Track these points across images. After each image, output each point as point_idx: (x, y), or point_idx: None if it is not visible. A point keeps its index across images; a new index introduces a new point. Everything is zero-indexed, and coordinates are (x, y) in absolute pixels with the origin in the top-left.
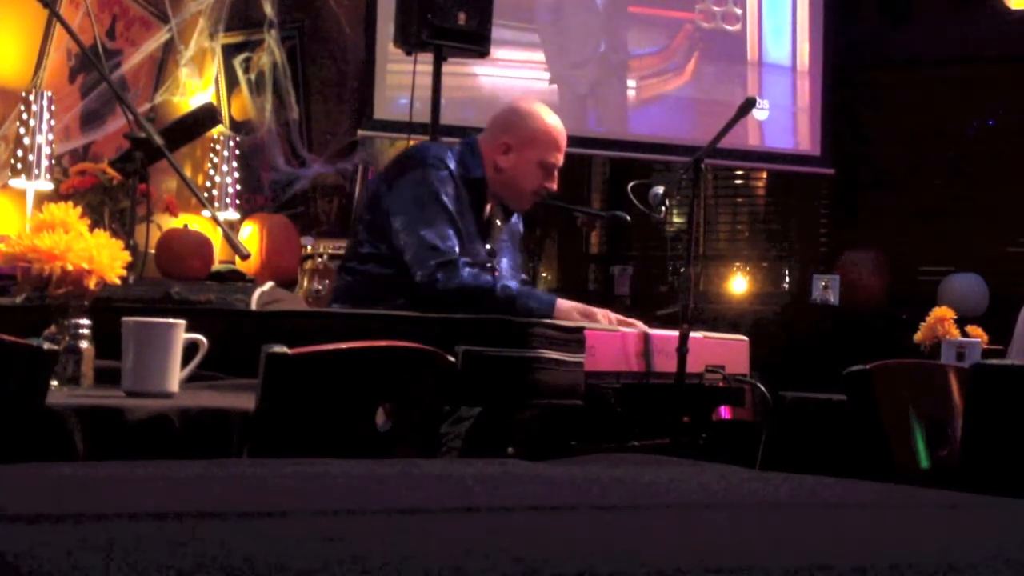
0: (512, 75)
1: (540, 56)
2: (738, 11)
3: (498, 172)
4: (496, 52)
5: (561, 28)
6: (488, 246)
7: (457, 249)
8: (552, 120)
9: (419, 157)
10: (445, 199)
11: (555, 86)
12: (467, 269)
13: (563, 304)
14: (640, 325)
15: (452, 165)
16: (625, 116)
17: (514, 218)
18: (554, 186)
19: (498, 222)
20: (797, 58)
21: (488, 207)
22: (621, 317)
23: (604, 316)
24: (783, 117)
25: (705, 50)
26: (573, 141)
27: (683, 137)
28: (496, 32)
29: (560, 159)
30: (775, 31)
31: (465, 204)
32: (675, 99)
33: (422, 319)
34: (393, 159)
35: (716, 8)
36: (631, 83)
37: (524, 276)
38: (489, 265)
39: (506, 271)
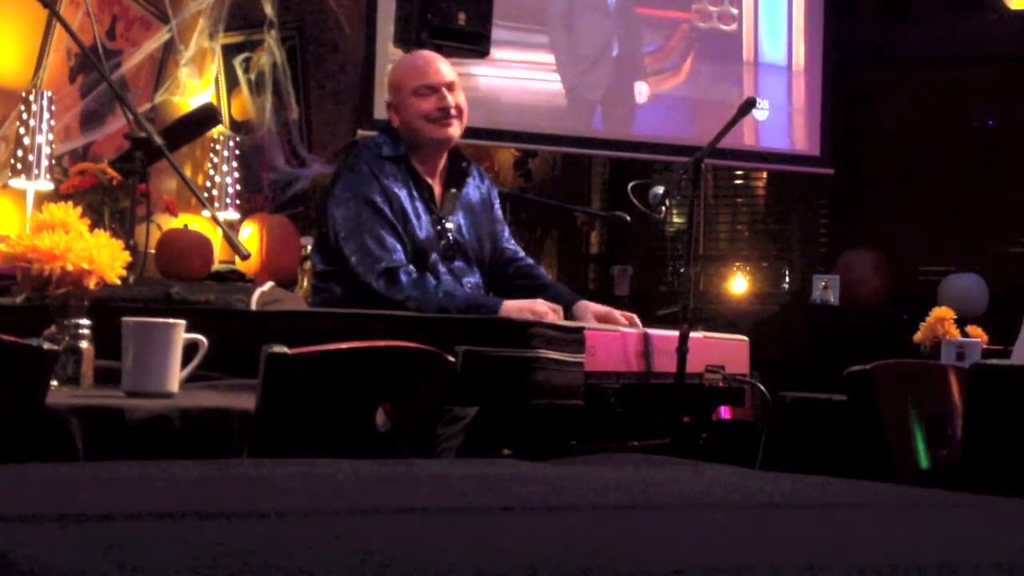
0: (512, 75)
1: (540, 56)
2: (734, 11)
3: (401, 128)
4: (496, 52)
5: (573, 31)
6: (447, 223)
7: (399, 255)
8: (407, 57)
9: (345, 164)
10: (375, 199)
11: (562, 88)
12: (406, 278)
13: (509, 305)
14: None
15: (371, 160)
16: (624, 117)
17: (474, 184)
18: (446, 102)
19: (452, 190)
20: (793, 58)
21: (436, 181)
22: (556, 306)
23: (551, 310)
24: (781, 117)
25: (701, 50)
26: (576, 141)
27: (679, 137)
28: (495, 32)
29: (432, 79)
30: (771, 31)
31: (396, 189)
32: (671, 99)
33: (422, 319)
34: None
35: (712, 8)
36: (637, 83)
37: (509, 246)
38: (444, 242)
39: (470, 247)
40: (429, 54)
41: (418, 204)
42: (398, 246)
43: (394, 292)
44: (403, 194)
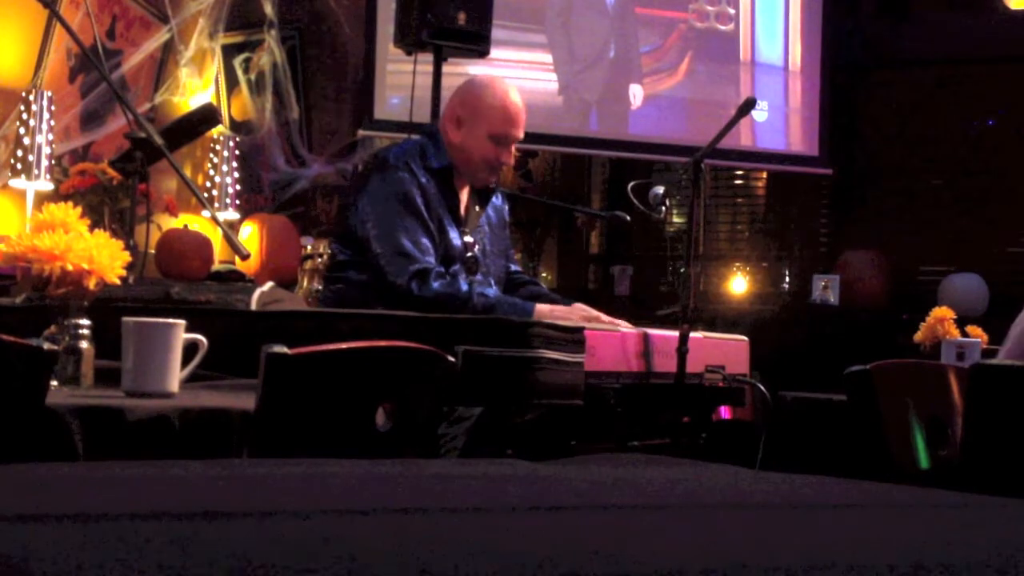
0: (512, 75)
1: (540, 56)
2: (731, 11)
3: (456, 148)
4: (493, 52)
5: (570, 31)
6: (468, 238)
7: (431, 257)
8: (503, 94)
9: (383, 159)
10: (416, 200)
11: (559, 87)
12: (438, 281)
13: (540, 310)
14: (624, 325)
15: (415, 162)
16: (620, 116)
17: (494, 203)
18: (510, 159)
19: (476, 208)
20: (790, 58)
21: (464, 195)
22: (596, 313)
23: (580, 315)
24: (778, 118)
25: (698, 50)
26: (574, 141)
27: (676, 137)
28: (496, 32)
29: (515, 133)
30: (768, 31)
31: (433, 197)
32: (668, 99)
33: (422, 319)
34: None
35: (709, 8)
36: (632, 85)
37: (515, 266)
38: (470, 255)
39: (488, 263)
40: (521, 103)
41: (449, 215)
42: (432, 249)
43: (425, 290)
44: (439, 203)
